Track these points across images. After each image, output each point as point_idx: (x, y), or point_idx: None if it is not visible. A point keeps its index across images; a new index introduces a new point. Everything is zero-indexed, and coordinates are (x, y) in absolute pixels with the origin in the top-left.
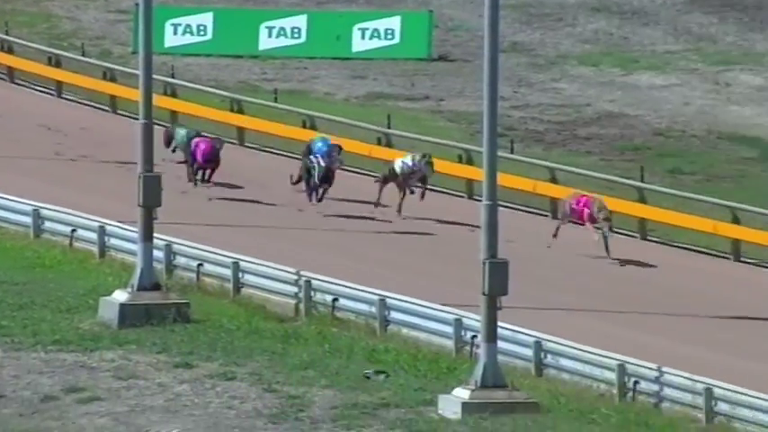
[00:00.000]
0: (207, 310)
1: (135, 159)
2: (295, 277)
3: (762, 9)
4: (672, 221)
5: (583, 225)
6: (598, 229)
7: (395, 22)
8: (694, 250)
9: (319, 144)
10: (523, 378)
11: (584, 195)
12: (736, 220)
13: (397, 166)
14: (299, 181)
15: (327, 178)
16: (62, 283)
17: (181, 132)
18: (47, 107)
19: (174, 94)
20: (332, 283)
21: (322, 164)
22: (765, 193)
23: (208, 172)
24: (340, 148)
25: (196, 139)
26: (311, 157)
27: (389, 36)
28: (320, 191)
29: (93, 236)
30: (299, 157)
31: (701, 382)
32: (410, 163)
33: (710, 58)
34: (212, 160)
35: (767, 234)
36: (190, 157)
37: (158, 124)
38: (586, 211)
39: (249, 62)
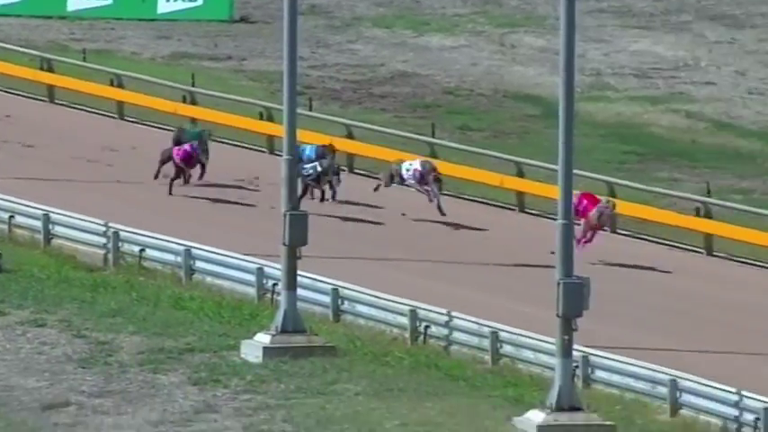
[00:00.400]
0: (18, 260)
1: None
2: (103, 228)
3: None
4: (461, 175)
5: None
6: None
7: None
8: (482, 202)
9: (308, 152)
10: (322, 323)
11: (586, 195)
12: (520, 174)
13: (405, 169)
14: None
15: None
16: None
17: (192, 132)
18: None
19: None
20: (139, 234)
21: (318, 168)
22: (547, 149)
23: (186, 174)
24: (333, 150)
25: (176, 149)
26: (305, 166)
27: None
28: (333, 188)
29: None
30: (107, 113)
31: (488, 326)
32: (419, 168)
33: (496, 21)
34: (189, 163)
35: (550, 186)
36: (166, 155)
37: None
38: (591, 210)
39: (58, 23)
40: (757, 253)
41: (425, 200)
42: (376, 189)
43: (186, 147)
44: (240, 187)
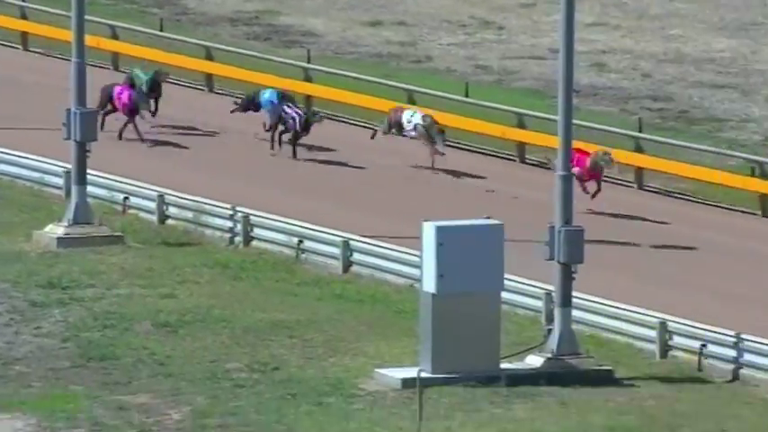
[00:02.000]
0: None
1: None
2: None
3: None
4: None
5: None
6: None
7: None
8: None
9: (267, 95)
10: None
11: (578, 151)
12: None
13: (406, 119)
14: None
15: (307, 128)
16: None
17: (140, 75)
18: None
19: None
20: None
21: (300, 114)
22: None
23: (124, 123)
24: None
25: (118, 88)
26: (285, 109)
27: None
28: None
29: None
30: None
31: None
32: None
33: None
34: (134, 111)
35: None
36: (108, 103)
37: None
38: (576, 169)
39: None
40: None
41: None
42: (372, 137)
43: (125, 95)
44: None
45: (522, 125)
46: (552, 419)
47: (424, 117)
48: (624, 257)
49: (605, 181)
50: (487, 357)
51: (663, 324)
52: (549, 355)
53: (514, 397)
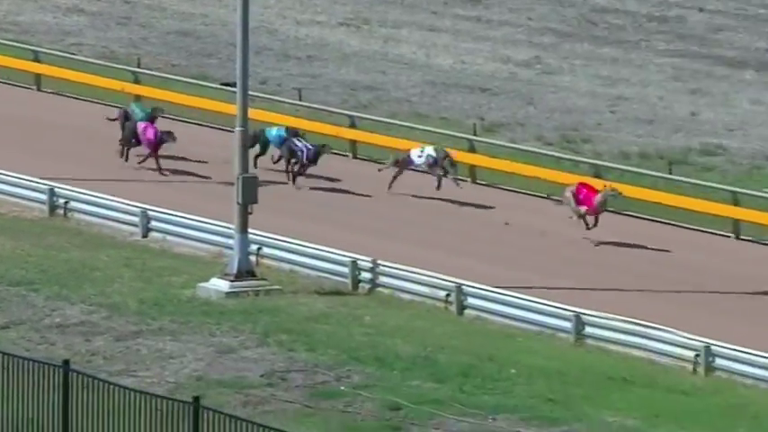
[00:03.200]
0: None
1: None
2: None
3: None
4: None
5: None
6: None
7: None
8: None
9: (274, 132)
10: None
11: (584, 186)
12: None
13: (415, 156)
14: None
15: (316, 159)
16: None
17: (138, 113)
18: None
19: None
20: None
21: (309, 147)
22: None
23: (154, 158)
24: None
25: (142, 125)
26: (295, 141)
27: None
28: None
29: None
30: None
31: None
32: (433, 155)
33: None
34: (158, 147)
35: None
36: (131, 135)
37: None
38: (591, 205)
39: None
40: None
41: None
42: (380, 170)
43: (152, 128)
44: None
45: None
46: None
47: (436, 149)
48: None
49: None
50: None
51: None
52: None
53: None
